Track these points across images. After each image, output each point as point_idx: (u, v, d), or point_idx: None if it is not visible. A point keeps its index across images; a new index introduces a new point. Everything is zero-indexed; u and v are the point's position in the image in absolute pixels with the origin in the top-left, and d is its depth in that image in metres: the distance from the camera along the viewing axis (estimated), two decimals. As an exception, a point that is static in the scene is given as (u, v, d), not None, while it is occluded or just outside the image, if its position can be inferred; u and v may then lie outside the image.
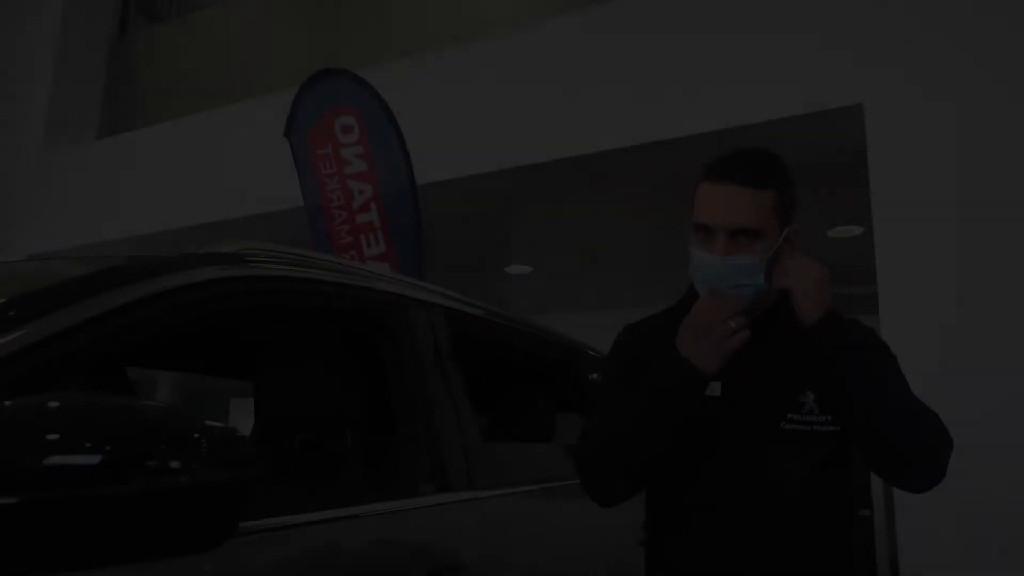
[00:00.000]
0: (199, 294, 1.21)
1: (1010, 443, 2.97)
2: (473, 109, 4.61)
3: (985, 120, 3.30)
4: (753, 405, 1.42)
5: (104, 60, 6.73)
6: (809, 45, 3.69)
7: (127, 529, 0.78)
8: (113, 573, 0.79)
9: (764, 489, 1.38)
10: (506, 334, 2.25)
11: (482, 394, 2.10)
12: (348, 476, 1.64)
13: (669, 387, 1.34)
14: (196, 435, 0.84)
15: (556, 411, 2.43)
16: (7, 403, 0.80)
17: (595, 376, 2.51)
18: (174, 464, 0.82)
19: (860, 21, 3.61)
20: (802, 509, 1.38)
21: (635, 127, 4.18)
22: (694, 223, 1.43)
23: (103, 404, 0.82)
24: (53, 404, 0.80)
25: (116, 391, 1.05)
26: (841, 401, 1.36)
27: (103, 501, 0.76)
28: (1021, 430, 2.96)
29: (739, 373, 1.41)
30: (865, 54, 3.56)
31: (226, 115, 5.72)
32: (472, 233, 5.83)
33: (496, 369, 2.51)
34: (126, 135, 6.38)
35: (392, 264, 3.74)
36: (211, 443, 0.84)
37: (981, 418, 2.88)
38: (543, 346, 2.43)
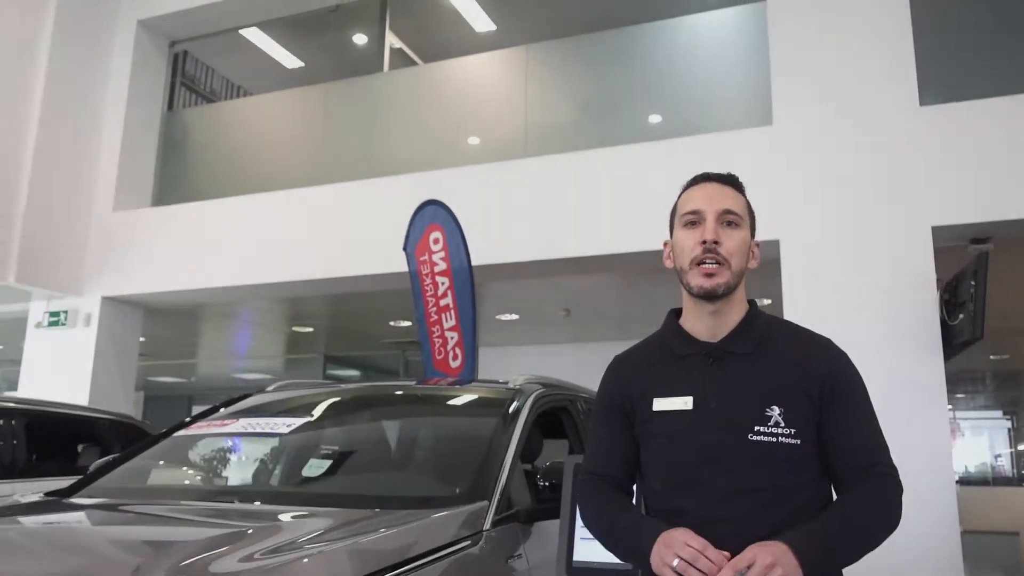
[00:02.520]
0: (543, 399, 2.84)
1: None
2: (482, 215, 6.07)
3: (837, 245, 5.19)
4: (722, 418, 1.53)
5: (156, 136, 7.94)
6: (755, 199, 5.47)
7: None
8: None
9: (733, 497, 1.48)
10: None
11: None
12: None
13: (630, 549, 1.54)
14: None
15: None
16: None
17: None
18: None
19: (777, 182, 5.44)
20: (769, 516, 1.47)
21: (599, 241, 5.76)
22: (682, 215, 1.66)
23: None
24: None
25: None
26: None
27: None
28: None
29: (710, 388, 1.56)
30: (780, 205, 5.40)
31: (247, 202, 7.03)
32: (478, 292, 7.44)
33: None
34: (171, 207, 7.46)
35: (457, 329, 5.34)
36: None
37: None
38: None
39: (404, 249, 5.27)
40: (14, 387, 13.46)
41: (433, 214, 5.24)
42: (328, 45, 9.35)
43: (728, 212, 1.62)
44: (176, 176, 7.99)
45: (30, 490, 3.94)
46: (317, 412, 2.87)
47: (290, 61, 9.50)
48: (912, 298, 4.99)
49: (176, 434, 2.93)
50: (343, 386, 3.21)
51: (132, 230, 7.42)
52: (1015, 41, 5.45)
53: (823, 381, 1.56)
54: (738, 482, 1.49)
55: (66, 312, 7.24)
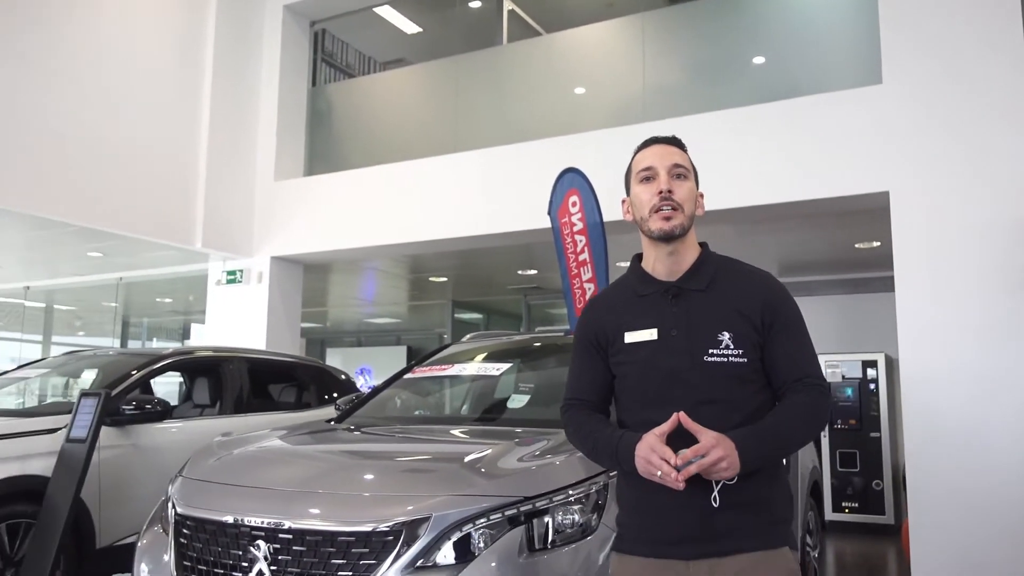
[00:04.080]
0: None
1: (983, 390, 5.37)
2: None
3: (946, 193, 5.62)
4: (682, 345, 1.80)
5: (304, 111, 8.87)
6: (866, 155, 5.94)
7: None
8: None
9: (695, 408, 1.74)
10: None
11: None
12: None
13: (611, 457, 1.82)
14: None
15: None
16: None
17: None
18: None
19: (886, 138, 5.87)
20: (726, 422, 1.73)
21: (714, 197, 6.37)
22: (638, 173, 1.91)
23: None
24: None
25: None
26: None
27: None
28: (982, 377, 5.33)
29: (671, 320, 1.83)
30: (890, 159, 5.85)
31: (390, 170, 7.85)
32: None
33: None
34: (320, 176, 8.37)
35: (593, 281, 6.06)
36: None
37: (949, 365, 5.29)
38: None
39: (548, 213, 5.99)
40: (176, 336, 15.04)
41: (571, 180, 5.93)
42: (447, 12, 10.00)
43: (677, 166, 1.89)
44: (323, 147, 8.92)
45: (262, 424, 4.93)
46: (520, 357, 3.66)
47: (409, 27, 10.22)
48: (1013, 243, 5.41)
49: (404, 377, 3.78)
50: (524, 336, 3.98)
51: (291, 197, 8.39)
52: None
53: (762, 310, 1.83)
54: (698, 395, 1.77)
55: (242, 271, 8.33)
